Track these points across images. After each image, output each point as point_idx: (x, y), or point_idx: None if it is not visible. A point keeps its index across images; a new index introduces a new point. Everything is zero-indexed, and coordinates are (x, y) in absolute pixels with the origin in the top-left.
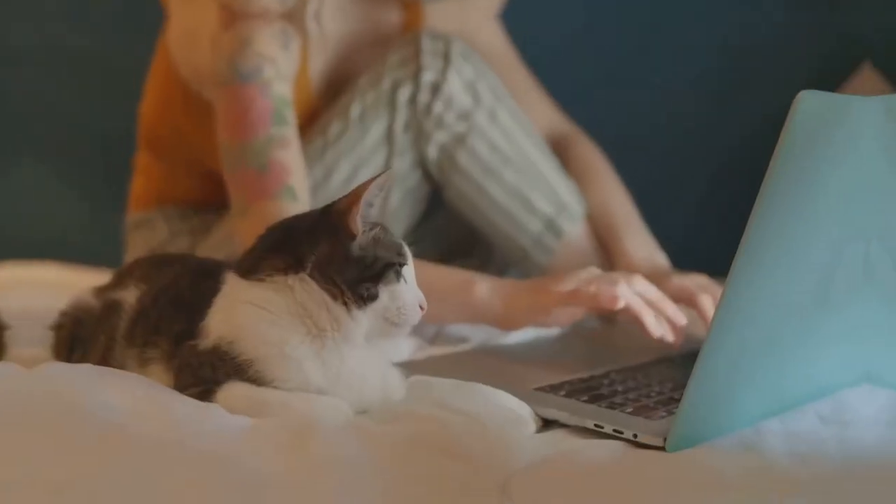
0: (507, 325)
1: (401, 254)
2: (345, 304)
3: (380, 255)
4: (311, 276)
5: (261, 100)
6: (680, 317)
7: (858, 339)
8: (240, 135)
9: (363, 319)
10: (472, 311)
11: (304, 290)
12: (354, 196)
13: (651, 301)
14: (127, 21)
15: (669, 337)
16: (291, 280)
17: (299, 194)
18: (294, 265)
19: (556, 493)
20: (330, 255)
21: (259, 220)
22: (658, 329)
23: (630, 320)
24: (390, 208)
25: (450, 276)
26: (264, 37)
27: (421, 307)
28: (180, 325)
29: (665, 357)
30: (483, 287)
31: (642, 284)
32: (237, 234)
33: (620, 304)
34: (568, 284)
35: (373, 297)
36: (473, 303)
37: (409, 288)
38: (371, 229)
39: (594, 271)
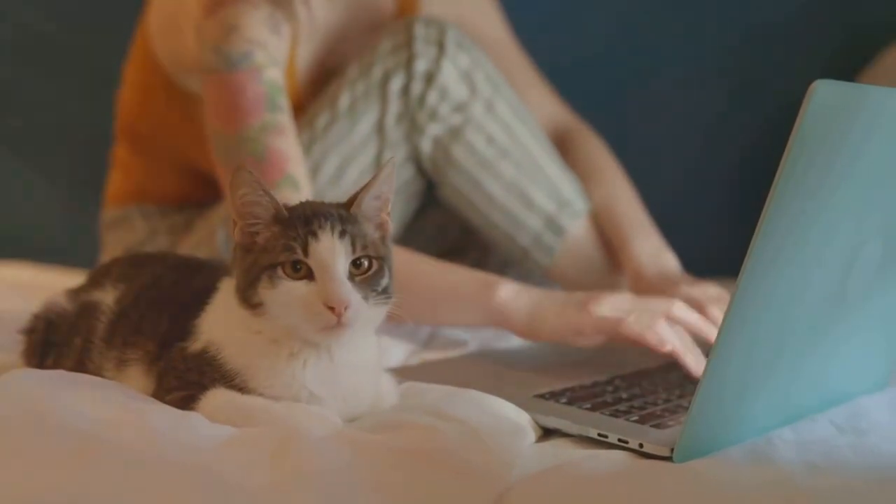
0: (530, 334)
1: (289, 249)
2: (247, 310)
3: (259, 258)
4: None
5: (252, 86)
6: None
7: (876, 340)
8: (233, 124)
9: (264, 326)
10: (491, 314)
11: None
12: None
13: (695, 330)
14: (103, 8)
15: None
16: None
17: (301, 182)
18: None
19: None
20: (235, 264)
21: None
22: (699, 367)
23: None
24: None
25: (469, 276)
26: (252, 21)
27: (331, 308)
28: (165, 325)
29: (672, 363)
30: (506, 290)
31: (682, 313)
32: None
33: (668, 349)
34: (606, 309)
35: (257, 304)
36: (494, 306)
37: (311, 288)
38: (268, 228)
39: (629, 300)
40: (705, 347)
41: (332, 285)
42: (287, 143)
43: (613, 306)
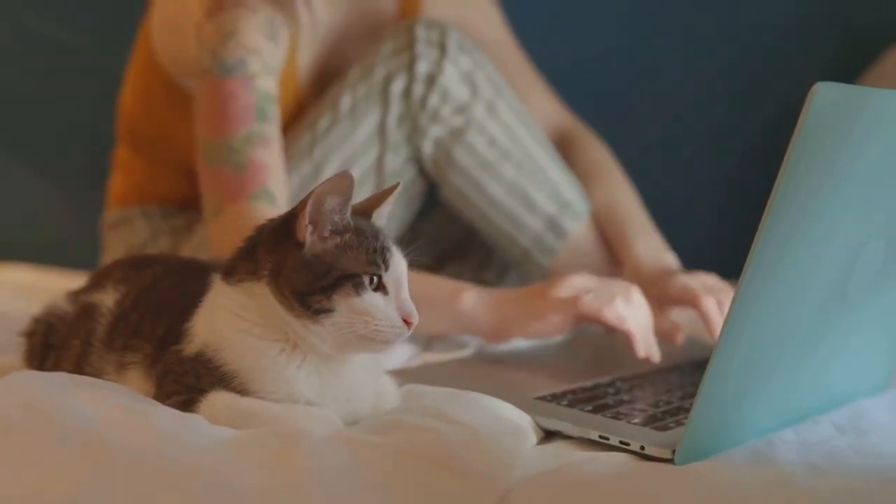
0: (495, 336)
1: (374, 263)
2: (298, 317)
3: (337, 264)
4: (268, 284)
5: (243, 95)
6: (653, 354)
7: (877, 341)
8: (218, 130)
9: (324, 333)
10: (458, 322)
11: (266, 298)
12: (304, 201)
13: (640, 325)
14: (106, 11)
15: (656, 357)
16: (257, 287)
17: (277, 197)
18: (255, 271)
19: None
20: (282, 263)
21: (233, 222)
22: (645, 350)
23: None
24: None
25: (438, 285)
26: (250, 27)
27: (407, 321)
28: (163, 328)
29: (674, 365)
30: (470, 297)
31: (637, 299)
32: (209, 235)
33: (627, 326)
34: (565, 290)
35: (324, 311)
36: (459, 313)
37: (388, 300)
38: (337, 235)
39: (588, 279)
40: (692, 344)
41: (409, 301)
42: (270, 156)
43: (571, 286)
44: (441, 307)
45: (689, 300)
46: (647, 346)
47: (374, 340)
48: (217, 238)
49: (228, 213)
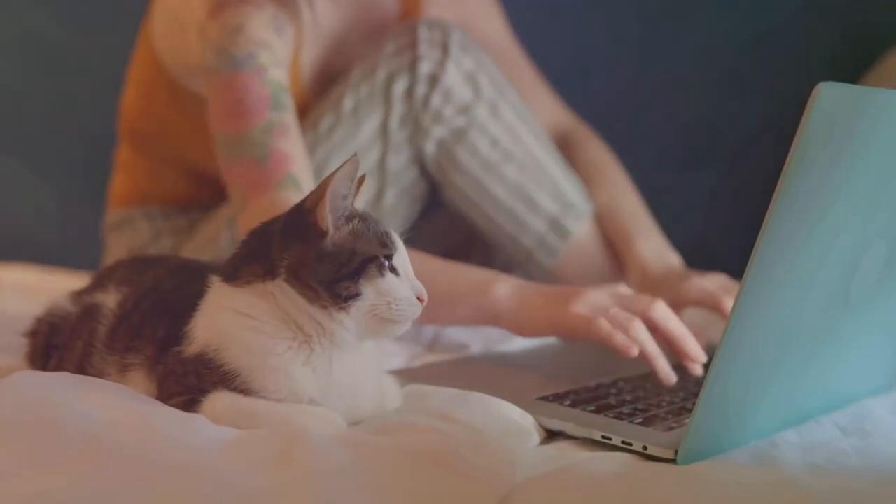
0: (521, 330)
1: (385, 244)
2: (324, 307)
3: (358, 249)
4: (287, 281)
5: (256, 86)
6: (700, 354)
7: (880, 342)
8: (236, 124)
9: (348, 321)
10: (488, 312)
11: (284, 295)
12: (320, 191)
13: (673, 337)
14: (106, 11)
15: (671, 380)
16: (271, 287)
17: (302, 183)
18: (269, 272)
19: None
20: (302, 258)
21: (260, 213)
22: (671, 377)
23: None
24: (385, 207)
25: (468, 275)
26: (257, 22)
27: (420, 299)
28: (164, 330)
29: (676, 365)
30: (503, 288)
31: (661, 316)
32: (239, 229)
33: (634, 353)
34: (586, 307)
35: (353, 296)
36: (491, 304)
37: (402, 280)
38: (348, 222)
39: (620, 291)
40: (710, 349)
41: (417, 280)
42: (290, 143)
43: (591, 303)
44: (469, 297)
45: (711, 303)
46: (665, 370)
47: (393, 321)
48: (248, 230)
49: (255, 204)
